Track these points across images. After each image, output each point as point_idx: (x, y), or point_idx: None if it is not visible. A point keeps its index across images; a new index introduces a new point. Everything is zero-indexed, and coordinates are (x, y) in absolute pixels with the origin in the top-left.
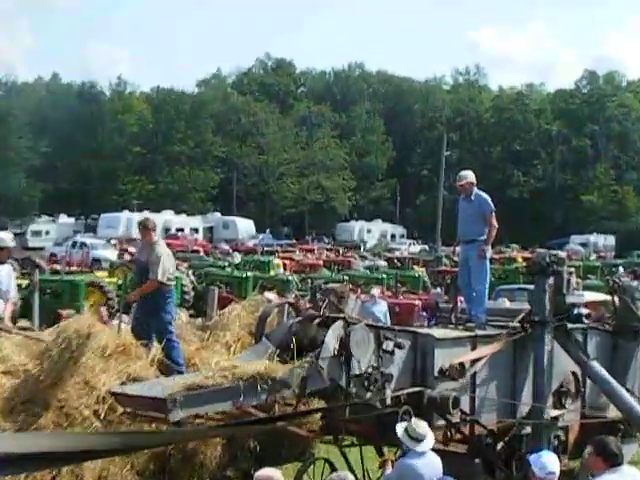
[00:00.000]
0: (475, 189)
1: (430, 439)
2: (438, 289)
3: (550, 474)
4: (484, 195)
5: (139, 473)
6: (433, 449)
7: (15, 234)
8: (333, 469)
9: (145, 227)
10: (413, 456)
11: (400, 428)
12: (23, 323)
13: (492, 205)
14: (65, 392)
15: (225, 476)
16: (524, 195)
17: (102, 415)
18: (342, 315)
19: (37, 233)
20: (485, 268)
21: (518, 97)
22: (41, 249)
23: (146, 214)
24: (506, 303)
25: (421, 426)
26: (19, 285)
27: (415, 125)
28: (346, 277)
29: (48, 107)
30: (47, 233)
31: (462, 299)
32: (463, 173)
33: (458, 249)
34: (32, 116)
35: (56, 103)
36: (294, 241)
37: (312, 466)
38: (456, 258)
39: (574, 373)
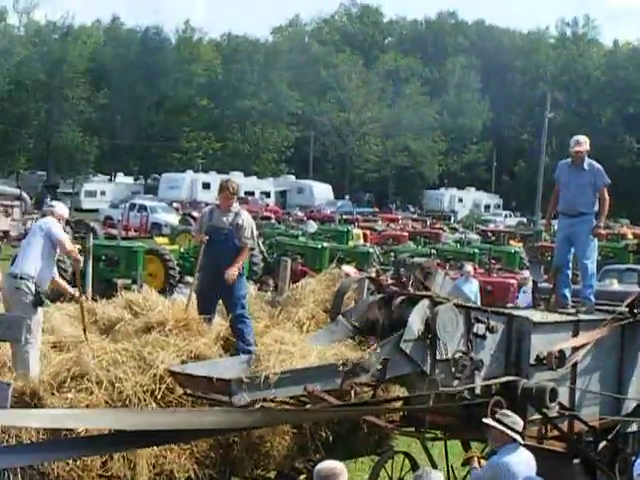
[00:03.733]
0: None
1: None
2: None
3: None
4: (598, 165)
5: (198, 462)
6: (527, 447)
7: (67, 194)
8: (414, 464)
9: (229, 190)
10: (506, 453)
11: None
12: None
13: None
14: (119, 369)
15: (293, 468)
16: (637, 164)
17: (159, 396)
18: (428, 293)
19: (92, 193)
20: (594, 244)
21: (634, 54)
22: (95, 211)
23: (212, 175)
24: (614, 285)
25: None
26: None
27: (515, 83)
28: (434, 251)
29: (107, 54)
30: (103, 194)
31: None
32: (581, 138)
33: (554, 222)
34: (89, 64)
35: (116, 50)
36: (376, 209)
37: (390, 460)
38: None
39: None
